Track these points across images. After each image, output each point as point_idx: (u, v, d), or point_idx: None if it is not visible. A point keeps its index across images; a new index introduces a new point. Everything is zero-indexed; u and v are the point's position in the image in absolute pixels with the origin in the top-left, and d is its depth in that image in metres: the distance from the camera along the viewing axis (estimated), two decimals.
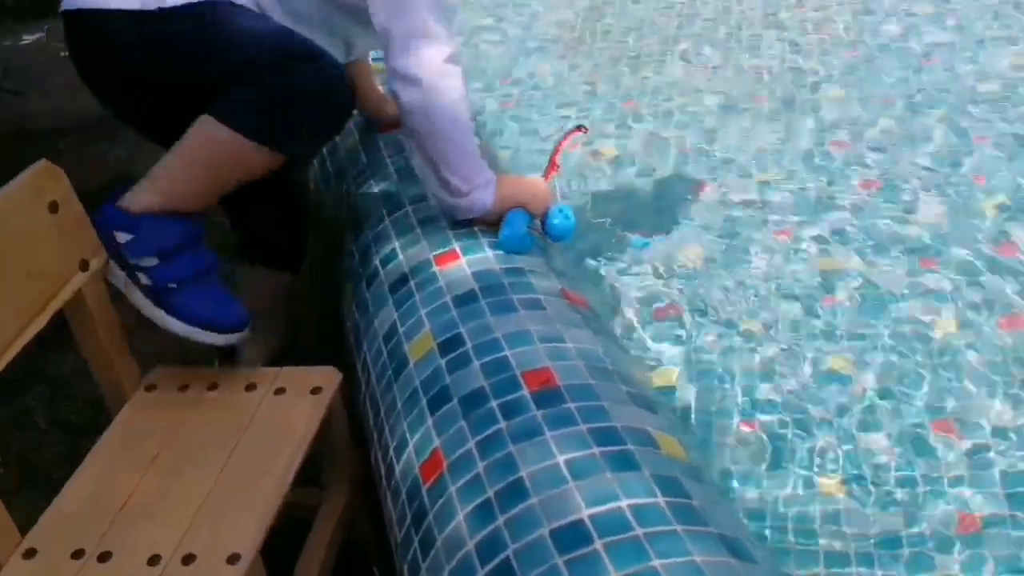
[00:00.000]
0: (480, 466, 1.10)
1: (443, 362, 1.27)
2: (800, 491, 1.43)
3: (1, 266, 1.17)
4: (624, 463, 1.06)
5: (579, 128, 1.73)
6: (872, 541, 1.34)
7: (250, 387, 1.40)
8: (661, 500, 1.02)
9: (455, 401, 1.21)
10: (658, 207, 2.16)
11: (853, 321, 1.75)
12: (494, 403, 1.17)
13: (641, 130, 2.46)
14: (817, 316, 1.77)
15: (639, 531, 0.96)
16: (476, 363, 1.24)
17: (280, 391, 1.39)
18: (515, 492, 1.05)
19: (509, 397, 1.17)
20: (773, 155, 2.29)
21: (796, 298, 1.81)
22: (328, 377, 1.40)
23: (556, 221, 1.58)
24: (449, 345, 1.29)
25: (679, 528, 0.97)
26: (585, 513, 0.99)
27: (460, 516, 1.07)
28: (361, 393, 1.44)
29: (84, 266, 1.30)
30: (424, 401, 1.24)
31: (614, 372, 1.24)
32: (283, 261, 1.75)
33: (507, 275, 1.42)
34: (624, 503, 1.00)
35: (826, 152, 2.29)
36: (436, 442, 1.18)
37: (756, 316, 1.78)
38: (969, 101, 2.43)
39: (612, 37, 3.05)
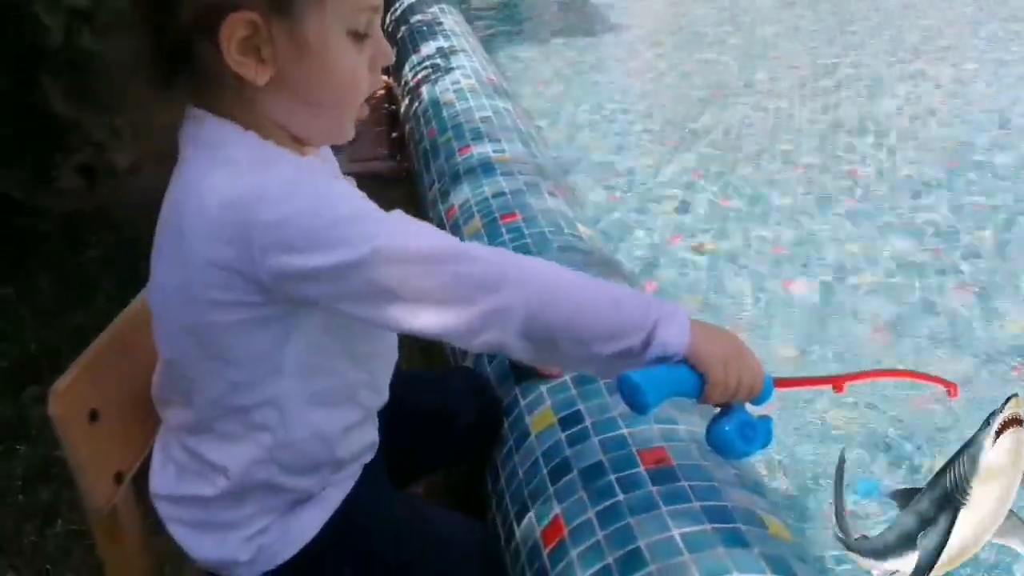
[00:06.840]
0: (600, 535, 1.21)
1: (563, 436, 1.39)
2: None
3: None
4: (735, 540, 1.15)
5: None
6: None
7: None
8: None
9: (575, 473, 1.31)
10: None
11: None
12: (612, 477, 1.28)
13: None
14: None
15: None
16: (595, 439, 1.35)
17: None
18: (633, 560, 1.15)
19: (626, 472, 1.28)
20: None
21: None
22: None
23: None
24: (569, 420, 1.41)
25: None
26: None
27: None
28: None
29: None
30: (545, 471, 1.35)
31: None
32: None
33: None
34: None
35: None
36: (556, 509, 1.28)
37: None
38: None
39: None
